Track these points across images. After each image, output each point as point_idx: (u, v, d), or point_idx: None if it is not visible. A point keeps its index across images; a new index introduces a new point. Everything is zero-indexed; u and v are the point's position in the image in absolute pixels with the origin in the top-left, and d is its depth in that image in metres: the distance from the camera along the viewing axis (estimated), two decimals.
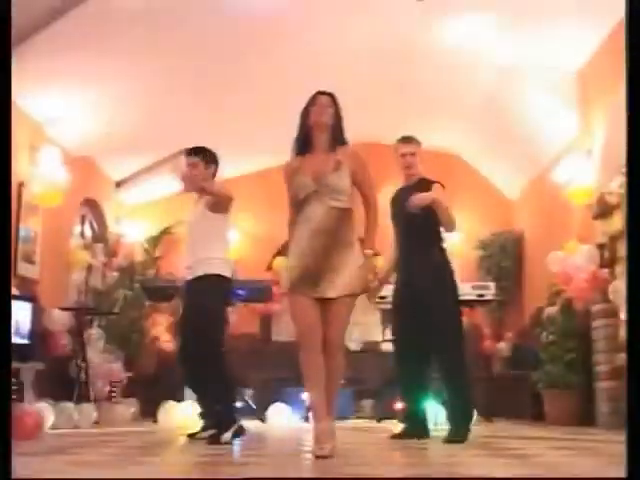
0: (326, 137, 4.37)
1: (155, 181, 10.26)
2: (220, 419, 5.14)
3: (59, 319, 7.30)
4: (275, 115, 9.48)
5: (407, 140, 5.67)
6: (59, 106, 7.69)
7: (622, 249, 6.67)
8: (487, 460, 3.93)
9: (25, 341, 5.82)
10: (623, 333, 6.51)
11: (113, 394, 8.02)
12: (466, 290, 7.69)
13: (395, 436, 5.53)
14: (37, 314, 6.08)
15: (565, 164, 7.60)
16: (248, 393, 9.09)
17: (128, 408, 7.98)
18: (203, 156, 5.43)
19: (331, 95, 4.47)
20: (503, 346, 9.83)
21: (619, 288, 6.56)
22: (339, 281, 4.18)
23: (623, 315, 6.50)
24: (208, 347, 5.18)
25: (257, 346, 10.19)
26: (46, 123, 7.68)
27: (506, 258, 10.17)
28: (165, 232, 10.57)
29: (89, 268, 8.39)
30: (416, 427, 5.51)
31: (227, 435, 4.96)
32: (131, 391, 8.46)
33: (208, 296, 5.25)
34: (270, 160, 11.07)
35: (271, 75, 8.54)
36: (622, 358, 6.64)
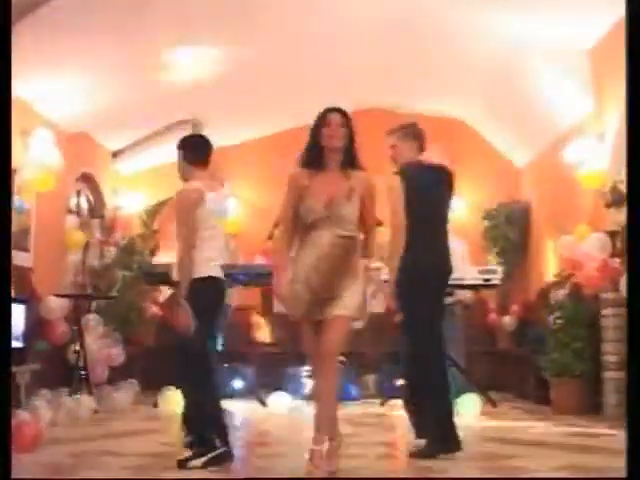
0: (339, 158, 4.27)
1: (153, 150, 10.02)
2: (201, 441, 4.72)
3: (56, 306, 7.14)
4: (275, 82, 9.21)
5: (388, 132, 5.36)
6: (50, 82, 7.41)
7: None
8: None
9: (20, 344, 5.67)
10: None
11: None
12: (473, 274, 7.60)
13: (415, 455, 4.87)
14: (31, 313, 5.90)
15: (576, 146, 7.34)
16: (249, 372, 8.99)
17: (127, 393, 7.87)
18: (179, 147, 4.98)
19: (343, 113, 4.31)
20: (508, 320, 9.70)
21: None
22: (342, 304, 4.17)
23: None
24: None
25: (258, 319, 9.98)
26: (37, 101, 7.41)
27: (512, 230, 9.95)
28: (163, 203, 10.33)
29: (86, 247, 8.21)
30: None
31: (196, 462, 4.59)
32: (131, 371, 8.34)
33: (209, 299, 4.80)
34: (268, 127, 10.81)
35: (272, 41, 8.20)
36: None
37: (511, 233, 9.92)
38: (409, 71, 9.28)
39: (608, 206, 6.62)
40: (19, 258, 6.92)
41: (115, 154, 9.72)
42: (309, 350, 4.34)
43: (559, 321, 7.30)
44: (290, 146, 11.14)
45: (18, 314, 5.76)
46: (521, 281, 10.07)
